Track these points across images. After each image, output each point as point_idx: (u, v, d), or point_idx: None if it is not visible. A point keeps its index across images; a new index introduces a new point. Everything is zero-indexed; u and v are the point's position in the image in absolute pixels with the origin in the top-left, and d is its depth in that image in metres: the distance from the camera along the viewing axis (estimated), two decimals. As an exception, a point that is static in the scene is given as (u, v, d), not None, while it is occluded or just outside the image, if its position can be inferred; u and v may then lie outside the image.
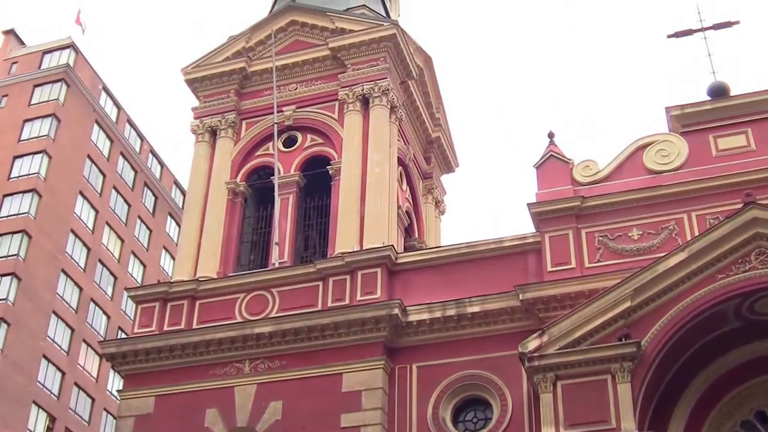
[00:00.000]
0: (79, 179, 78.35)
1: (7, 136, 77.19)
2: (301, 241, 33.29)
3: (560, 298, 26.81)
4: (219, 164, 34.32)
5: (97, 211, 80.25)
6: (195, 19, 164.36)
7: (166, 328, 30.65)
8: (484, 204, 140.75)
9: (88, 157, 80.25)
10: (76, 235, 76.65)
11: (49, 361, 71.01)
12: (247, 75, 35.84)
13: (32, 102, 79.62)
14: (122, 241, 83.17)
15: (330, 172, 32.90)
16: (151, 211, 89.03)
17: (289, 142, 34.25)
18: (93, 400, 75.34)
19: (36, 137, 76.97)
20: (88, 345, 75.00)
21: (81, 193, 78.27)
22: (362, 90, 33.64)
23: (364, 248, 30.24)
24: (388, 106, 33.61)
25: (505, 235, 29.46)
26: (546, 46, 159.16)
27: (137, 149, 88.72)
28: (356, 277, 29.51)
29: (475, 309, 27.79)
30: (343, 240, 30.82)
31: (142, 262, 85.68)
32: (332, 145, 33.48)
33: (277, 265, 31.05)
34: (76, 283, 75.65)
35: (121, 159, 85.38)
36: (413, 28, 47.07)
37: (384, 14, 38.93)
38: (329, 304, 29.28)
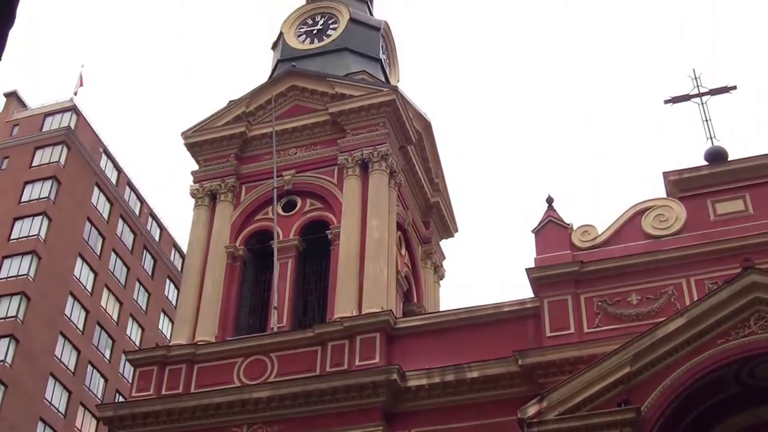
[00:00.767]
0: (78, 241, 78.47)
1: (7, 197, 77.45)
2: (300, 306, 33.21)
3: (559, 363, 26.65)
4: (218, 228, 34.38)
5: (96, 274, 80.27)
6: (197, 82, 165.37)
7: (164, 392, 30.46)
8: (483, 269, 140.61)
9: (88, 219, 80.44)
10: (75, 298, 76.60)
11: (46, 423, 70.65)
12: (247, 139, 36.02)
13: (33, 164, 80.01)
14: (121, 303, 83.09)
15: (329, 236, 32.95)
16: (150, 274, 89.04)
17: (289, 207, 34.35)
18: (90, 463, 74.86)
19: (36, 199, 77.25)
20: (86, 408, 74.64)
21: (80, 256, 78.34)
22: (361, 155, 33.82)
23: (363, 313, 30.15)
24: (388, 171, 33.76)
25: (503, 301, 29.41)
26: (545, 110, 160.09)
27: (137, 212, 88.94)
28: (355, 342, 29.41)
29: (474, 374, 27.67)
30: (342, 305, 30.76)
31: (140, 325, 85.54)
32: (331, 210, 33.57)
33: (275, 330, 30.96)
34: (74, 346, 75.48)
35: (120, 221, 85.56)
36: (413, 92, 47.51)
37: (384, 79, 39.20)
38: (328, 369, 29.14)
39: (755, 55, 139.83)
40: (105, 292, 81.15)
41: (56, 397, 72.60)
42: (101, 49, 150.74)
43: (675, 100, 31.61)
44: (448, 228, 40.25)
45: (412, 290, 36.45)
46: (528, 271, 28.87)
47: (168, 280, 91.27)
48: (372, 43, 40.55)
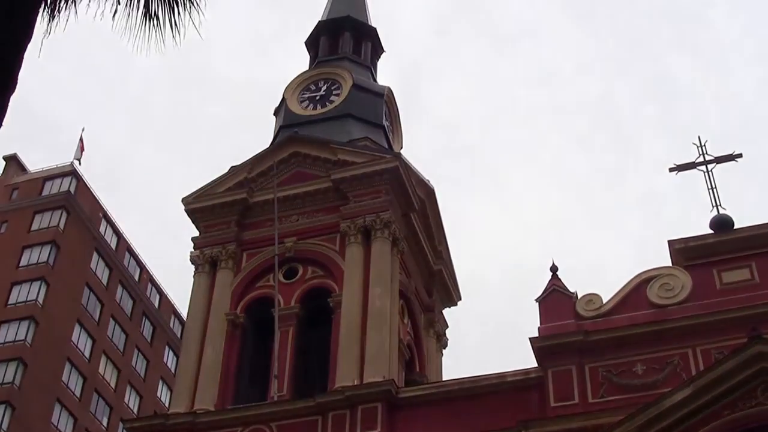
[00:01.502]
0: (77, 307, 78.05)
1: (6, 262, 77.14)
2: (301, 374, 32.80)
3: (564, 434, 26.36)
4: (219, 295, 34.11)
5: (94, 340, 79.76)
6: (198, 147, 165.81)
7: (163, 462, 30.11)
8: (487, 337, 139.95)
9: (87, 285, 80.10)
10: (73, 364, 76.03)
11: (42, 491, 69.81)
12: (249, 206, 35.86)
13: (32, 228, 79.83)
14: (119, 370, 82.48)
15: (331, 304, 32.68)
16: (149, 340, 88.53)
17: (290, 274, 34.10)
18: None
19: (35, 264, 76.96)
20: (83, 476, 73.84)
21: (79, 321, 77.89)
22: (364, 222, 33.66)
23: (364, 382, 29.81)
24: (390, 239, 33.59)
25: (507, 370, 29.10)
26: (550, 176, 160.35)
27: (136, 278, 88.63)
28: (356, 412, 29.01)
29: (478, 445, 27.30)
30: (344, 373, 30.42)
31: (138, 393, 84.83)
32: (333, 278, 33.34)
33: (275, 399, 30.59)
34: (71, 413, 74.76)
35: (120, 287, 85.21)
36: (416, 157, 47.42)
37: (387, 146, 39.20)
38: (329, 440, 28.81)
39: (762, 122, 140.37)
40: (103, 359, 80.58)
41: (53, 464, 71.82)
42: (102, 112, 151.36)
43: (680, 168, 31.50)
44: (451, 296, 39.98)
45: (414, 359, 36.08)
46: (532, 340, 28.57)
47: (167, 347, 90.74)
48: (375, 109, 40.61)
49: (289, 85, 41.31)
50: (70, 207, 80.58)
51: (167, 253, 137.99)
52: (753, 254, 28.79)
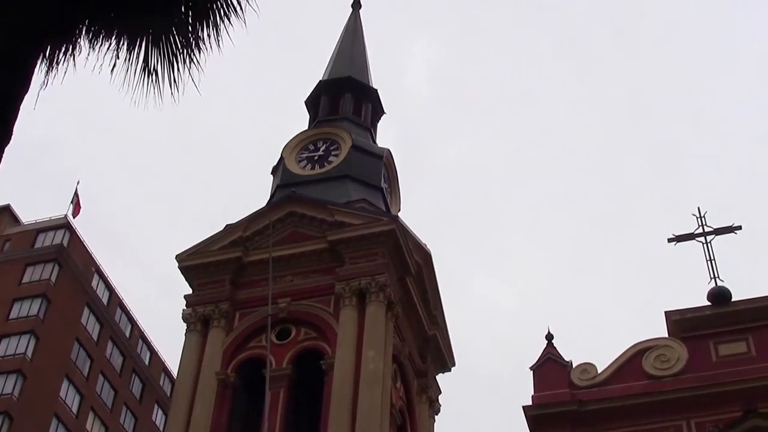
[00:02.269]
0: (66, 362, 77.37)
1: (-5, 314, 76.65)
2: (292, 436, 32.49)
3: (557, 504, 26.02)
4: (210, 354, 33.80)
5: (82, 396, 78.99)
6: (193, 203, 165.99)
7: None
8: (480, 404, 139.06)
9: (77, 339, 79.45)
10: (60, 420, 75.19)
11: None
12: (243, 265, 35.68)
13: (23, 281, 79.27)
14: (107, 427, 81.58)
15: (323, 367, 32.37)
16: (138, 398, 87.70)
17: (283, 335, 33.84)
18: None
19: (25, 317, 76.34)
20: None
21: (67, 377, 77.16)
22: (359, 285, 33.47)
23: (355, 446, 29.48)
24: (385, 302, 33.38)
25: (500, 438, 28.77)
26: (547, 242, 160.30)
27: (127, 334, 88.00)
28: (347, 475, 28.69)
29: None
30: (334, 436, 30.07)
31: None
32: (326, 340, 33.08)
33: (265, 460, 30.19)
34: (57, 470, 73.96)
35: (110, 343, 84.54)
36: (414, 220, 47.32)
37: (384, 208, 39.12)
38: (319, 503, 28.43)
39: (763, 194, 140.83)
40: (91, 415, 79.70)
41: None
42: (99, 166, 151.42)
43: (679, 239, 31.32)
44: (444, 361, 39.70)
45: (406, 424, 35.74)
46: (525, 409, 28.24)
47: (156, 405, 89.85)
48: (374, 171, 40.60)
49: (287, 144, 41.33)
50: (62, 260, 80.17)
51: (159, 310, 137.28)
52: (750, 327, 28.56)
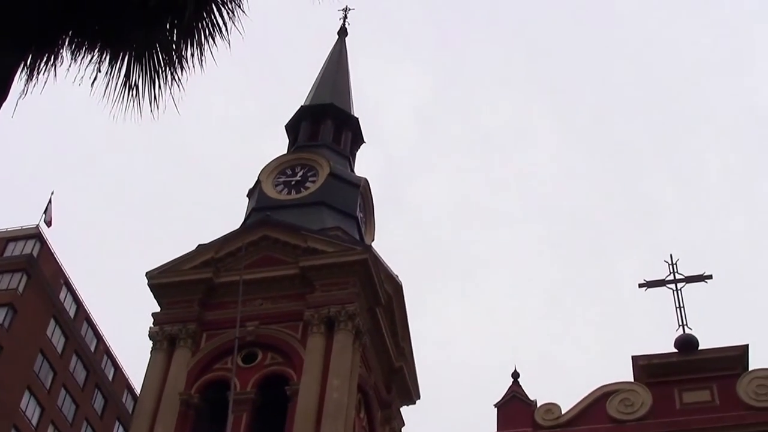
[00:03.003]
0: (28, 373, 76.73)
1: (-40, 323, 76.00)
2: (252, 462, 32.24)
3: None
4: (174, 374, 33.57)
5: (43, 409, 78.33)
6: (168, 222, 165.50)
7: None
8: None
9: (41, 351, 78.81)
10: (19, 432, 74.60)
11: None
12: (214, 286, 35.53)
13: (-10, 290, 78.76)
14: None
15: (288, 393, 32.20)
16: (99, 413, 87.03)
17: (249, 358, 33.64)
18: None
19: (-11, 326, 75.85)
20: None
21: (29, 388, 76.50)
22: (328, 312, 33.38)
23: (316, 476, 29.30)
24: (353, 332, 33.29)
25: (461, 474, 28.71)
26: (520, 281, 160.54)
27: (93, 349, 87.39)
28: (306, 503, 28.49)
29: None
30: (295, 464, 29.89)
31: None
32: (292, 365, 32.93)
33: (224, 484, 29.94)
34: (14, 483, 73.21)
35: (75, 357, 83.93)
36: (387, 251, 47.31)
37: (358, 237, 39.08)
38: None
39: (734, 246, 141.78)
40: (51, 429, 78.98)
41: None
42: (75, 178, 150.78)
43: (650, 284, 31.43)
44: (410, 394, 39.59)
45: (368, 454, 35.57)
46: (488, 446, 28.25)
47: (117, 422, 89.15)
48: (350, 199, 40.61)
49: (265, 167, 41.30)
50: (31, 270, 79.57)
51: (126, 327, 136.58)
52: (715, 376, 28.70)
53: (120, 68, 11.76)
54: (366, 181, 42.82)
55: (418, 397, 40.13)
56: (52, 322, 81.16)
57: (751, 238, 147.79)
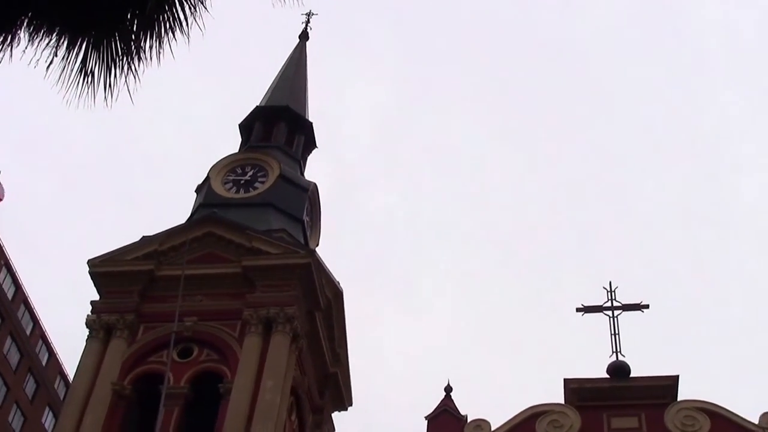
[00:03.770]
0: (-40, 353, 76.09)
1: None
2: (180, 457, 32.14)
3: None
4: (108, 363, 33.36)
5: (-27, 389, 77.68)
6: (115, 211, 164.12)
7: None
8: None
9: (-25, 331, 78.22)
10: (-53, 411, 73.84)
11: None
12: (155, 278, 35.37)
13: (-76, 263, 77.88)
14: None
15: (221, 390, 32.15)
16: (30, 398, 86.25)
17: (185, 353, 33.52)
18: None
19: (-74, 303, 75.04)
20: None
21: (-41, 368, 75.88)
22: (267, 313, 33.37)
23: (243, 475, 29.26)
24: (291, 334, 33.31)
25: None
26: (462, 298, 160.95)
27: (28, 332, 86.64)
28: (231, 503, 28.44)
29: None
30: (223, 463, 29.84)
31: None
32: (227, 364, 32.85)
33: (150, 478, 29.84)
34: (-63, 462, 72.41)
35: (9, 339, 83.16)
36: (331, 257, 47.29)
37: (303, 241, 39.11)
38: None
39: (674, 278, 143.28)
40: (-21, 409, 78.35)
41: None
42: (20, 159, 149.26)
43: (587, 309, 31.81)
44: (342, 400, 39.67)
45: (297, 458, 35.57)
46: (417, 458, 28.43)
47: (48, 408, 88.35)
48: (298, 202, 40.64)
49: (216, 164, 41.22)
50: (-31, 250, 78.95)
51: (64, 314, 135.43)
52: (644, 404, 29.13)
53: (77, 54, 11.80)
54: (315, 185, 42.91)
55: (351, 404, 40.23)
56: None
57: (690, 273, 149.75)
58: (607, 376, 30.25)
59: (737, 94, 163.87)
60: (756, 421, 28.38)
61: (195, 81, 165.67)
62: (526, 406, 29.74)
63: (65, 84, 11.83)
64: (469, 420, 29.64)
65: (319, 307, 35.85)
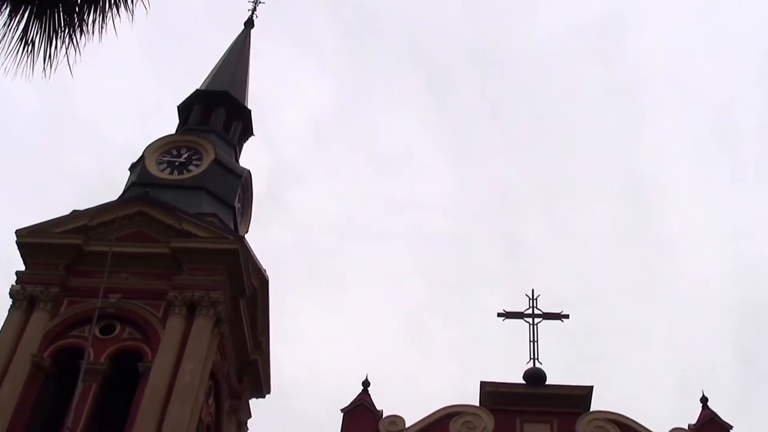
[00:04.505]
0: None
1: None
2: (95, 433, 32.04)
3: None
4: (30, 334, 33.14)
5: None
6: (47, 182, 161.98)
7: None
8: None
9: None
10: None
11: None
12: (82, 253, 35.20)
13: None
14: None
15: (140, 369, 32.13)
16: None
17: (107, 330, 33.40)
18: None
19: None
20: None
21: None
22: (192, 296, 33.39)
23: (157, 455, 29.25)
24: (214, 318, 33.37)
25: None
26: (388, 297, 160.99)
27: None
28: (144, 482, 28.44)
29: None
30: (138, 441, 29.80)
31: None
32: (149, 343, 32.80)
33: (64, 452, 29.74)
34: None
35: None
36: (261, 246, 47.27)
37: (233, 227, 39.14)
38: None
39: (597, 293, 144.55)
40: None
41: None
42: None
43: (508, 315, 32.21)
44: (260, 388, 39.78)
45: (212, 441, 35.62)
46: (327, 450, 28.63)
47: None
48: (230, 188, 40.65)
49: (151, 144, 41.07)
50: None
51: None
52: (557, 412, 29.57)
53: (19, 22, 11.80)
54: (249, 173, 42.94)
55: (269, 392, 40.34)
56: None
57: (613, 288, 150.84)
58: (523, 382, 30.68)
59: (671, 117, 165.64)
60: (665, 436, 28.99)
61: (137, 59, 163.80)
62: (442, 406, 30.10)
63: (4, 51, 11.84)
64: (384, 415, 29.91)
65: (244, 294, 35.92)
